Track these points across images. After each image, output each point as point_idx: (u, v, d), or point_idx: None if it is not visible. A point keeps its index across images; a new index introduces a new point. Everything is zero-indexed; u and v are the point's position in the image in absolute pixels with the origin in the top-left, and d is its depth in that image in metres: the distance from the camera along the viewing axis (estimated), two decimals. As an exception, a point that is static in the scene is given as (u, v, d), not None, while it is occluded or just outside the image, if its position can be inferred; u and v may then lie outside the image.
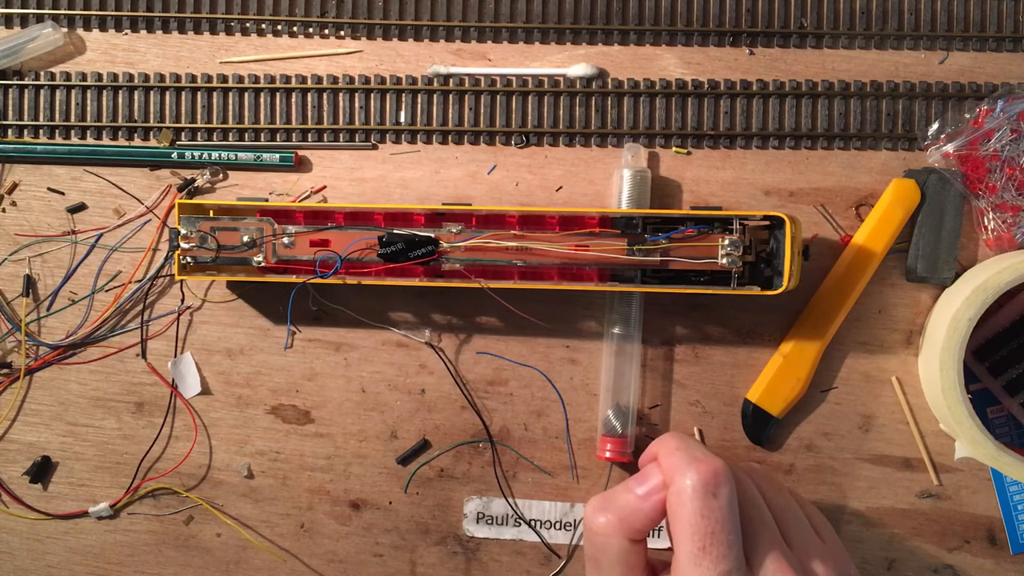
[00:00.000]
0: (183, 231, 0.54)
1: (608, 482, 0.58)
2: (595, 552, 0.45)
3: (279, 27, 0.60)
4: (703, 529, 0.41)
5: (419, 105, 0.59)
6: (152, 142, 0.60)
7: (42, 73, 0.60)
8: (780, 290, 0.51)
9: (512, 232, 0.54)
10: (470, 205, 0.54)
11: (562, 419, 0.58)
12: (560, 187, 0.59)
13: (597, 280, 0.55)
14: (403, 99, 0.59)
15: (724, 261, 0.52)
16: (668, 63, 0.59)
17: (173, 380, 0.59)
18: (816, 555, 0.44)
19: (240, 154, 0.59)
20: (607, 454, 0.57)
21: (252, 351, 0.59)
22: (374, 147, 0.59)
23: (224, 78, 0.59)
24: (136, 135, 0.60)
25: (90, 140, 0.60)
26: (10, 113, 0.60)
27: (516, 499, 0.59)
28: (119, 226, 0.60)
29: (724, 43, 0.59)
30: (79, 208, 0.60)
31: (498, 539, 0.59)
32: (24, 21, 0.60)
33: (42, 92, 0.60)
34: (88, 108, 0.60)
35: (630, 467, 0.57)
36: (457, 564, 0.59)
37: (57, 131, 0.60)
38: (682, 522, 0.41)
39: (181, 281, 0.59)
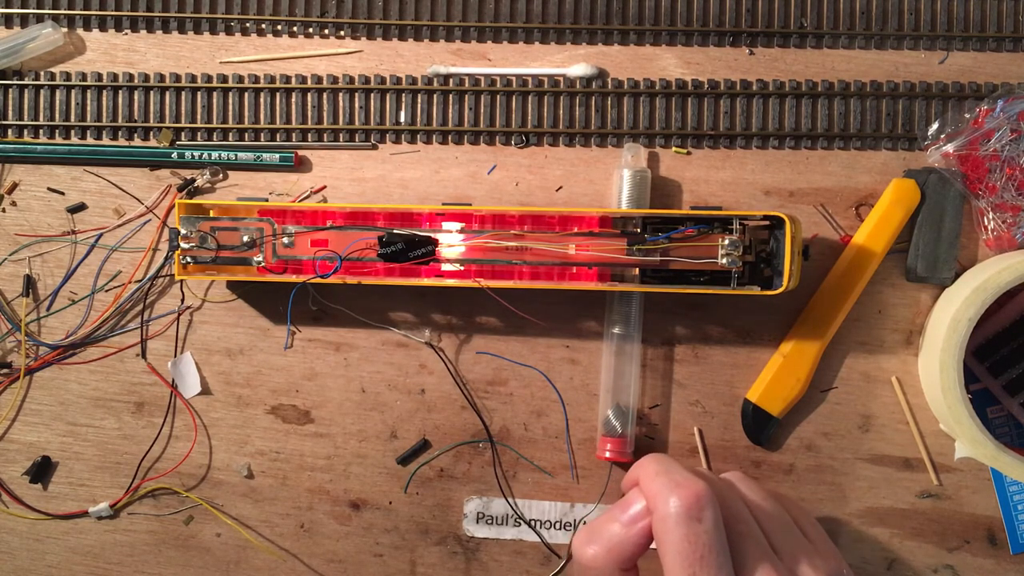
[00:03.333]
0: (183, 231, 0.54)
1: (608, 482, 0.58)
2: None
3: (279, 27, 0.60)
4: (691, 555, 0.41)
5: (419, 105, 0.59)
6: (152, 142, 0.60)
7: (42, 73, 0.60)
8: (780, 290, 0.51)
9: (512, 232, 0.54)
10: (470, 205, 0.54)
11: (562, 419, 0.58)
12: (560, 187, 0.59)
13: (597, 280, 0.55)
14: (403, 99, 0.59)
15: (724, 261, 0.52)
16: (668, 63, 0.59)
17: (173, 380, 0.59)
18: (805, 559, 0.45)
19: (240, 154, 0.59)
20: (607, 454, 0.57)
21: (252, 351, 0.59)
22: (374, 147, 0.59)
23: (224, 78, 0.59)
24: (136, 135, 0.60)
25: (90, 140, 0.60)
26: (10, 113, 0.60)
27: (516, 499, 0.59)
28: (119, 226, 0.60)
29: (724, 43, 0.59)
30: (79, 208, 0.60)
31: (498, 539, 0.59)
32: (24, 21, 0.60)
33: (42, 92, 0.60)
34: (88, 108, 0.60)
35: (630, 467, 0.57)
36: (457, 564, 0.59)
37: (57, 131, 0.60)
38: (670, 549, 0.42)
39: (181, 281, 0.59)
